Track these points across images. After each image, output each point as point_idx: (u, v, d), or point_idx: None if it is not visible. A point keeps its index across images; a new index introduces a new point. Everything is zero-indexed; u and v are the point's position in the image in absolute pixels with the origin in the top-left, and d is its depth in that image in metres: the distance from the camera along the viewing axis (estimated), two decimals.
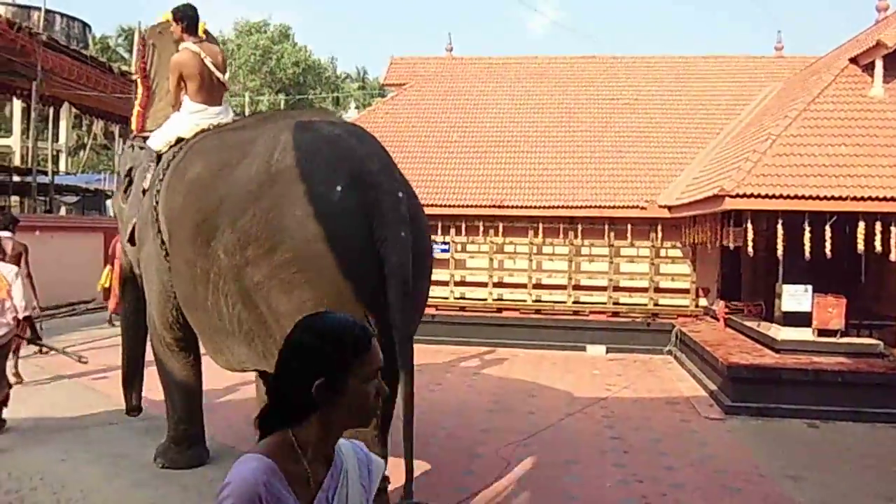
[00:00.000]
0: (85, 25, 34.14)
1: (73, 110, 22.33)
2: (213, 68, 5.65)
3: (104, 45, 38.72)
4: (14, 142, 28.60)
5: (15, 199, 23.88)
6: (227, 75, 5.95)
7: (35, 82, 15.95)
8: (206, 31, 5.97)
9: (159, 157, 5.73)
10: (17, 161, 26.45)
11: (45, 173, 20.13)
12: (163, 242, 5.29)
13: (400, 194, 4.26)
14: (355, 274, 4.16)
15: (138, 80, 6.50)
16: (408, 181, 4.70)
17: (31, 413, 7.34)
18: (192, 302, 5.00)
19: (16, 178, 22.78)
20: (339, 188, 4.21)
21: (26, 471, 5.69)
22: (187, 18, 5.70)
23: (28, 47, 14.92)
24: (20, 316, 6.56)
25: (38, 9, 18.97)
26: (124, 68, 20.35)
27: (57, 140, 26.20)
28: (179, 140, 5.65)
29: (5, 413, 6.80)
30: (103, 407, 7.57)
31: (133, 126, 6.57)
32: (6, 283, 6.49)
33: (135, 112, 6.48)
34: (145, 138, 6.14)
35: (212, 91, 5.72)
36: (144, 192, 5.77)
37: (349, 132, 4.64)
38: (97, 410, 7.50)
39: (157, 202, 5.40)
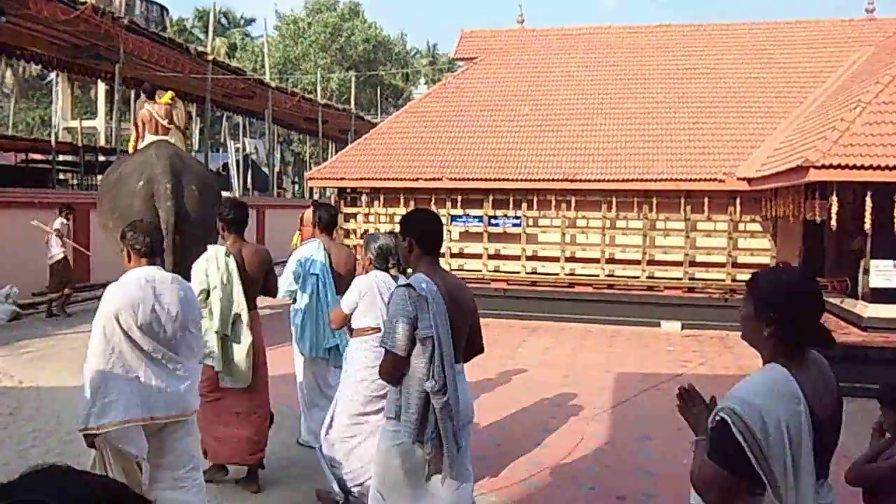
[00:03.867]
0: (163, 9, 35.20)
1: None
2: (158, 118, 9.46)
3: (181, 27, 39.83)
4: (99, 123, 29.86)
5: (101, 177, 24.93)
6: (171, 120, 9.60)
7: (117, 65, 16.53)
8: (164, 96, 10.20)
9: None
10: (101, 141, 27.63)
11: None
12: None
13: (168, 183, 8.26)
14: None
15: (133, 127, 10.72)
16: (188, 171, 8.71)
17: None
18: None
19: (101, 158, 23.82)
20: (140, 183, 8.37)
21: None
22: (151, 97, 9.83)
23: (111, 31, 15.43)
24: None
25: None
26: (200, 49, 20.86)
27: None
28: None
29: None
30: None
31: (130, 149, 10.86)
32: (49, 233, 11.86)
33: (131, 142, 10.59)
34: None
35: (157, 130, 9.48)
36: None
37: (156, 154, 8.58)
38: None
39: None
